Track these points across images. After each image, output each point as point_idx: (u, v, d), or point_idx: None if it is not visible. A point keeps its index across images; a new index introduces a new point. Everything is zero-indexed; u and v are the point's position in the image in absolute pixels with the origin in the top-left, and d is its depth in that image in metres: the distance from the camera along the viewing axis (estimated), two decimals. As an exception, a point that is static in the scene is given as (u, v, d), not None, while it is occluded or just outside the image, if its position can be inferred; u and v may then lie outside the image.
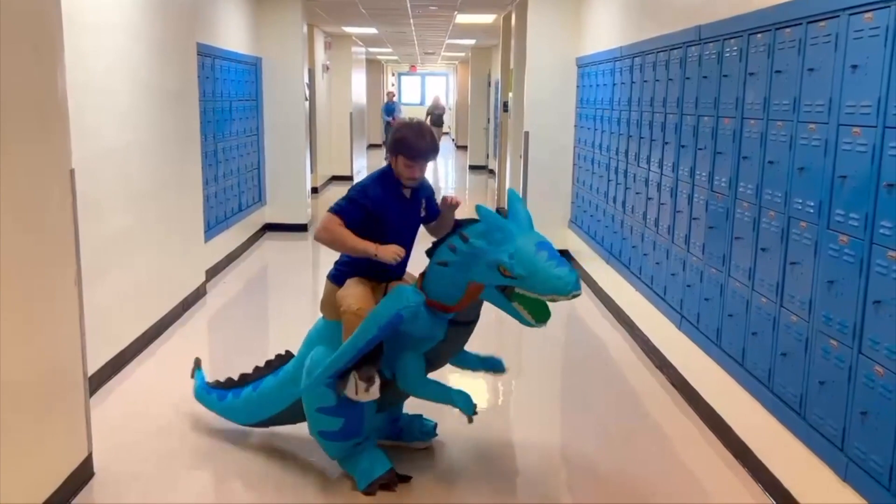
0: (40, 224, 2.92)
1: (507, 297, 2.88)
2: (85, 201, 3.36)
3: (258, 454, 3.58)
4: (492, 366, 3.40)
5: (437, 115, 18.92)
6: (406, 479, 3.28)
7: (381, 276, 3.21)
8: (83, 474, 3.21)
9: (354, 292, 3.13)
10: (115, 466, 3.36)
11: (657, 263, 4.81)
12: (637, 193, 5.27)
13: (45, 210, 2.96)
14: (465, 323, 3.13)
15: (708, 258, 3.95)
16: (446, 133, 20.10)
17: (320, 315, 3.37)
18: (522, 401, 4.48)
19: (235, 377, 3.65)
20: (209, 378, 3.82)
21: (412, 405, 3.56)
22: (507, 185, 9.46)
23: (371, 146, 21.70)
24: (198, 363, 3.89)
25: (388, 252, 3.06)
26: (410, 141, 3.13)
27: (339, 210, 3.12)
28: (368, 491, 3.18)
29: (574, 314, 6.00)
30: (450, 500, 3.22)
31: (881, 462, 2.48)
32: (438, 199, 3.33)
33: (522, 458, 3.67)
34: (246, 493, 3.32)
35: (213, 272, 6.69)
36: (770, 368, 3.24)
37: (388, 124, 16.49)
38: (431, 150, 3.17)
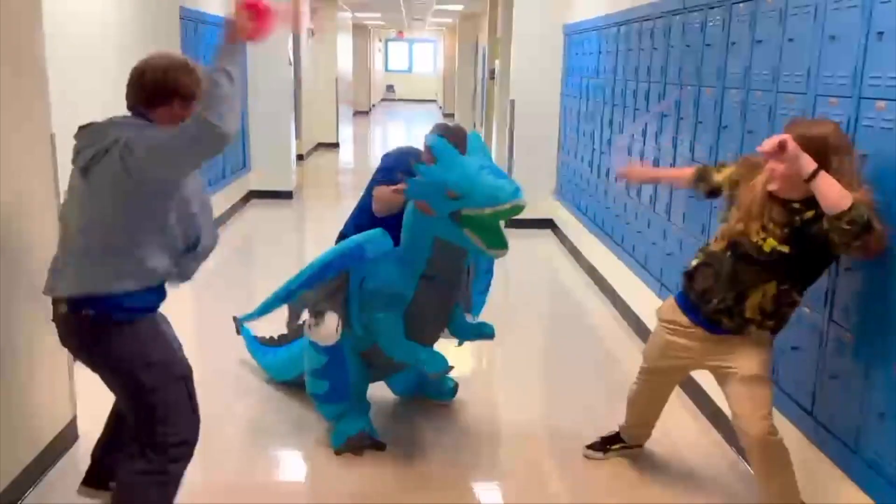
0: (19, 188, 2.91)
1: (458, 224, 2.88)
2: (63, 169, 3.33)
3: (244, 423, 3.63)
4: (481, 332, 3.46)
5: None
6: (381, 446, 3.32)
7: None
8: (68, 437, 3.24)
9: None
10: (100, 430, 3.39)
11: (639, 232, 4.85)
12: (620, 162, 5.29)
13: (25, 174, 2.94)
14: (439, 280, 3.11)
15: (687, 227, 3.99)
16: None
17: None
18: (505, 367, 4.54)
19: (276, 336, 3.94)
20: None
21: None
22: (493, 152, 9.46)
23: (357, 113, 21.51)
24: (238, 321, 4.06)
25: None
26: None
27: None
28: (339, 450, 3.26)
29: (558, 282, 6.05)
30: (429, 469, 3.27)
31: (847, 425, 2.55)
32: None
33: (504, 425, 3.74)
34: (230, 460, 3.36)
35: (197, 239, 6.66)
36: (745, 335, 3.30)
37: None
38: None
